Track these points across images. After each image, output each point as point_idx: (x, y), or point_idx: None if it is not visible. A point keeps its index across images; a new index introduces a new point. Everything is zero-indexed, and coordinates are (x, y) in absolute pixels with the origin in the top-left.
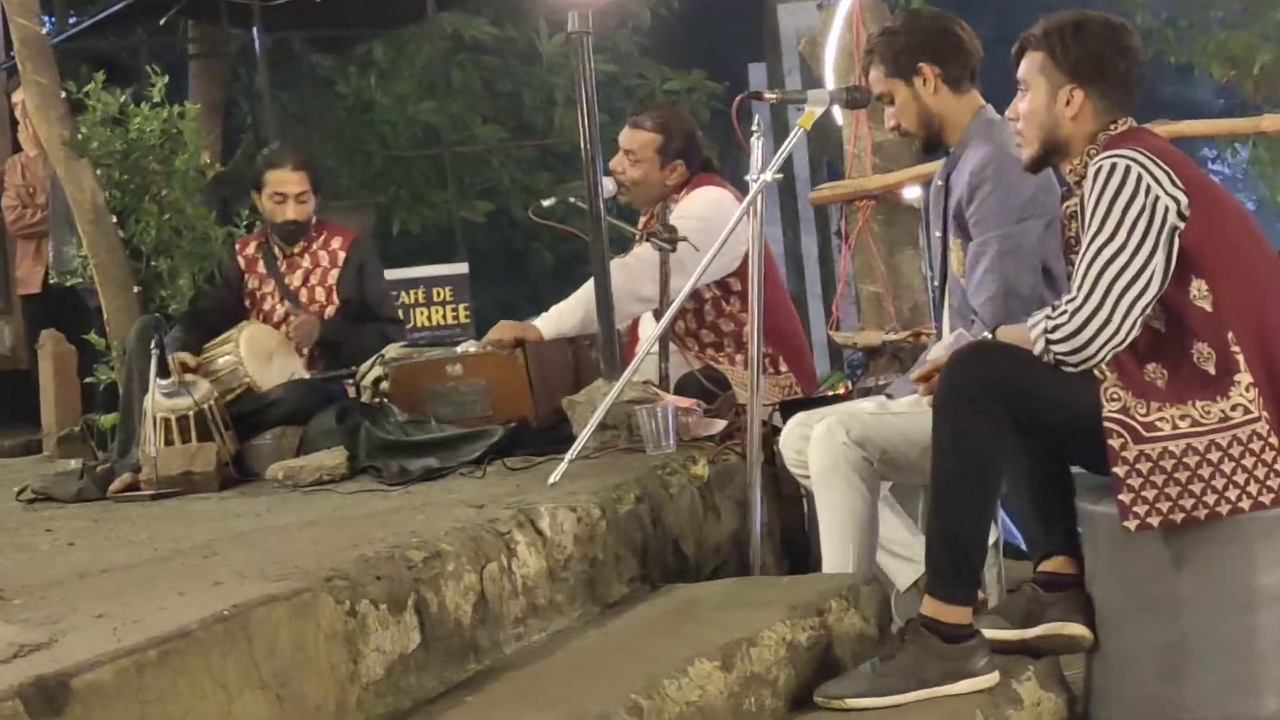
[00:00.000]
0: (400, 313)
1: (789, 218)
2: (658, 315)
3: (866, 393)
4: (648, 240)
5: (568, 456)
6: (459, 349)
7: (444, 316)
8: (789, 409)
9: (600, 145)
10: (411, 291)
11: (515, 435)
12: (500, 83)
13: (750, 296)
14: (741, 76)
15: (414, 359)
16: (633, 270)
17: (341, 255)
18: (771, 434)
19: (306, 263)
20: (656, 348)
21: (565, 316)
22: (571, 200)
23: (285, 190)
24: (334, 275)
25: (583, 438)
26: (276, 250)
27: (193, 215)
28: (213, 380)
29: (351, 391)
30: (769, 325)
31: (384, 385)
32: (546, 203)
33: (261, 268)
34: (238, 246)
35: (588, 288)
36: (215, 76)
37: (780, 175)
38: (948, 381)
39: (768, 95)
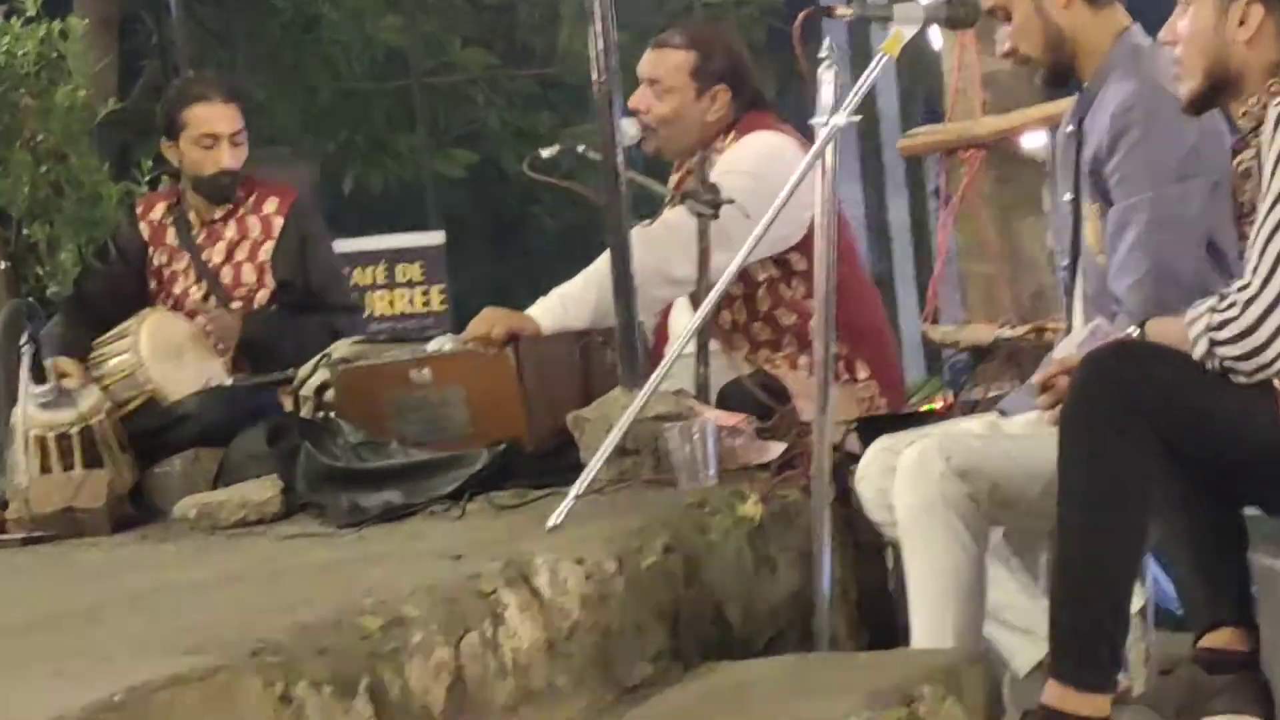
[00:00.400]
0: (355, 298)
1: (871, 173)
2: (695, 303)
3: (973, 408)
4: (682, 203)
5: (574, 491)
6: (430, 346)
7: (412, 302)
8: (869, 429)
9: (619, 76)
10: (369, 269)
11: (504, 462)
12: None
13: (817, 278)
14: None
15: (370, 359)
16: (662, 243)
17: (278, 223)
18: (846, 462)
19: (231, 232)
20: (693, 347)
21: (571, 304)
22: (581, 150)
23: (216, 129)
24: (267, 249)
25: (593, 466)
26: (192, 215)
27: (78, 167)
28: (104, 387)
29: (288, 403)
30: (843, 317)
31: (330, 394)
32: (547, 153)
33: (171, 238)
34: (139, 210)
35: (601, 266)
36: None
37: (859, 117)
38: (1080, 392)
39: (841, 10)
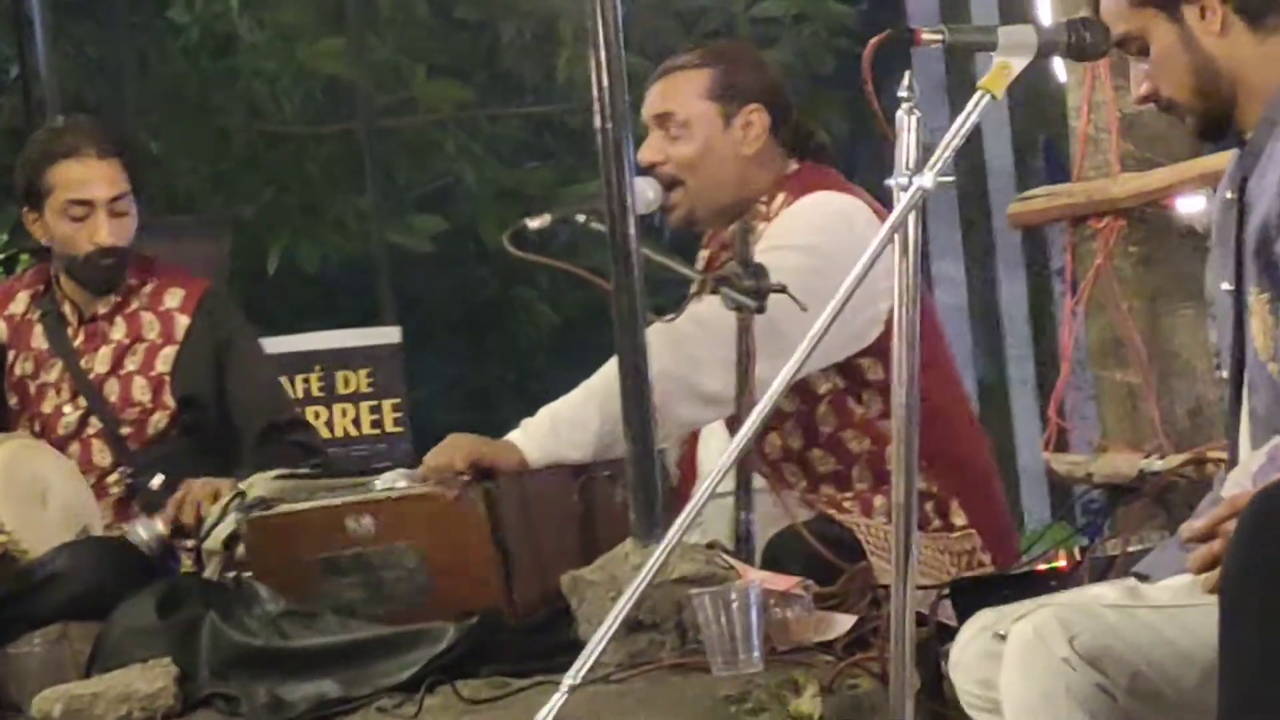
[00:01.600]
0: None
1: (975, 248)
2: (733, 426)
3: (1107, 567)
4: (716, 291)
5: (568, 678)
6: (379, 483)
7: (357, 422)
8: (968, 595)
9: (632, 117)
10: (300, 377)
11: (477, 640)
12: (460, 3)
13: (896, 391)
14: None
15: (292, 503)
16: (690, 345)
17: (181, 322)
18: (936, 640)
19: (119, 333)
20: (730, 484)
21: (568, 427)
22: (581, 218)
23: (90, 194)
24: (167, 357)
25: (596, 645)
26: (67, 309)
27: None
28: None
29: (187, 562)
30: (933, 442)
31: (242, 549)
32: (536, 223)
33: (39, 340)
34: None
35: (608, 376)
36: None
37: (951, 178)
38: (1248, 542)
39: (929, 35)
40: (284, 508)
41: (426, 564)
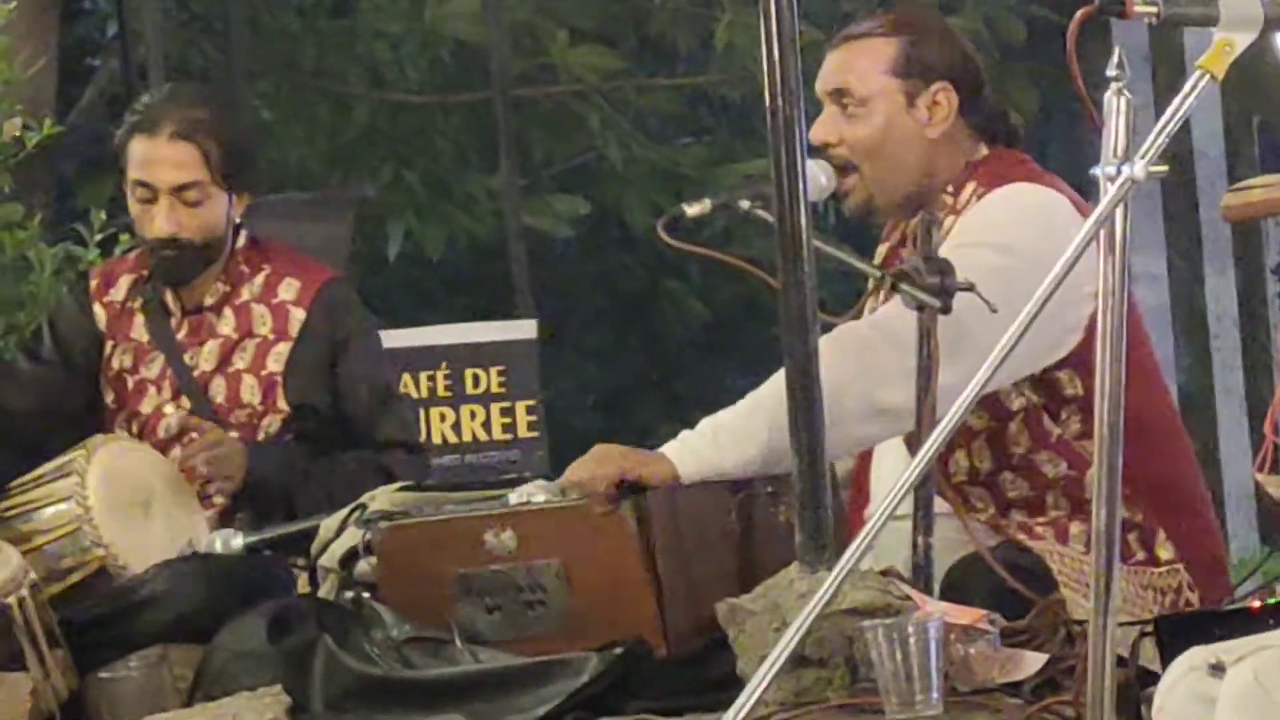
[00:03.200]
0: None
1: (1180, 241)
2: (912, 443)
3: None
4: (895, 289)
5: (726, 718)
6: (512, 498)
7: (487, 426)
8: (1174, 634)
9: (804, 91)
10: (425, 375)
11: (623, 673)
12: None
13: (1100, 407)
14: None
15: (424, 514)
16: (867, 351)
17: (297, 317)
18: (1138, 684)
19: (228, 326)
20: (909, 506)
21: (729, 439)
22: (745, 205)
23: (151, 177)
24: (279, 355)
25: (758, 682)
26: (169, 297)
27: None
28: (29, 550)
29: (302, 580)
30: (1138, 466)
31: (364, 565)
32: (694, 209)
33: (140, 331)
34: (94, 285)
35: (775, 384)
36: None
37: (1164, 168)
38: None
39: (1141, 8)
40: (415, 519)
41: (571, 585)
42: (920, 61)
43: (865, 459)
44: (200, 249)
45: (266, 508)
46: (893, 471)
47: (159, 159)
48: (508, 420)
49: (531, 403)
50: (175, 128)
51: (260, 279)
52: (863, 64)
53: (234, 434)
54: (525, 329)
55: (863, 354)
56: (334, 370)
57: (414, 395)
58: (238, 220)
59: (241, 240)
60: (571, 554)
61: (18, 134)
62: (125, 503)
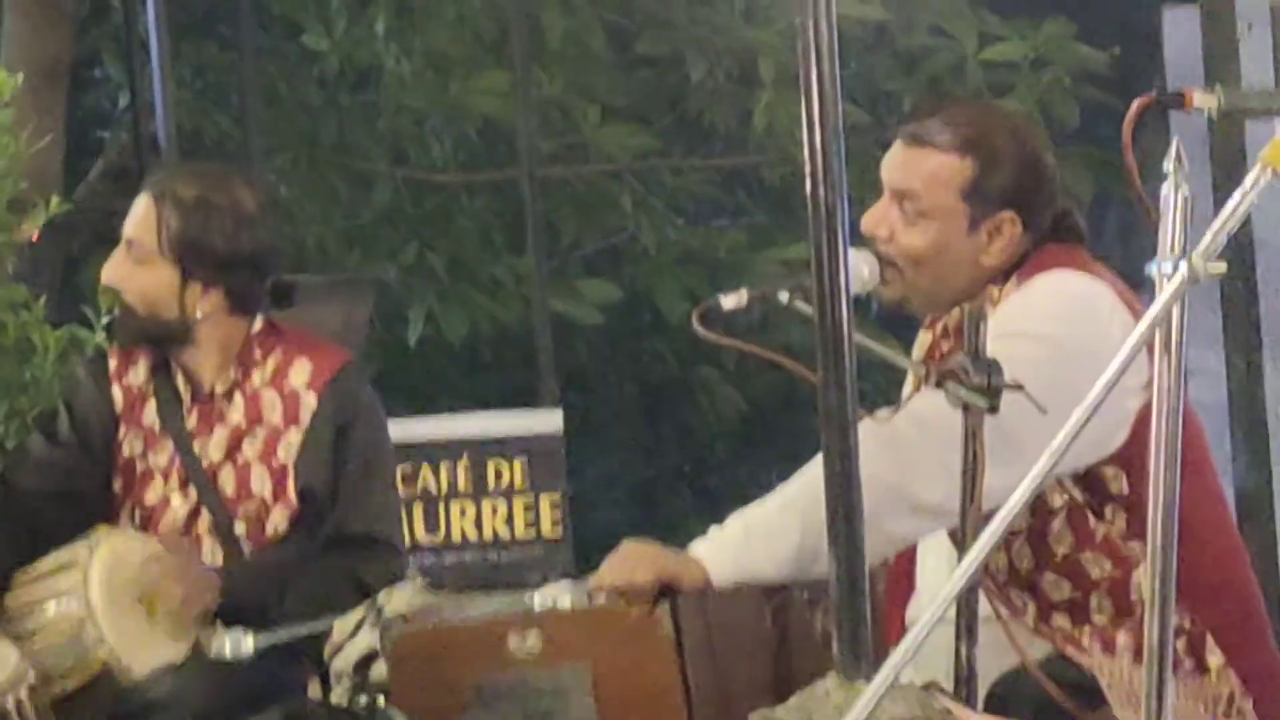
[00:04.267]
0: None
1: (1239, 336)
2: (958, 542)
3: None
4: (940, 385)
5: None
6: (537, 599)
7: (510, 523)
8: None
9: (846, 176)
10: (446, 466)
11: None
12: (643, 37)
13: (1154, 509)
14: (1149, 34)
15: (444, 617)
16: (907, 448)
17: (309, 403)
18: None
19: (237, 414)
20: (951, 613)
21: (762, 539)
22: (783, 297)
23: (124, 230)
24: (290, 444)
25: None
26: (180, 381)
27: (0, 298)
28: (30, 648)
29: (313, 685)
30: (1183, 568)
31: (378, 670)
32: (730, 301)
33: (151, 417)
34: (113, 365)
35: (811, 481)
36: (54, 17)
37: (1222, 267)
38: None
39: (1202, 99)
40: (435, 622)
41: (597, 692)
42: (991, 190)
43: (908, 555)
44: (143, 319)
45: (241, 624)
46: (936, 571)
47: (134, 209)
48: (531, 515)
49: (556, 497)
50: (155, 189)
51: (271, 363)
52: (932, 175)
53: (240, 528)
54: (551, 420)
55: (899, 449)
56: (336, 458)
57: (436, 491)
58: (199, 315)
59: (257, 325)
60: (600, 659)
61: (36, 237)
62: (129, 600)
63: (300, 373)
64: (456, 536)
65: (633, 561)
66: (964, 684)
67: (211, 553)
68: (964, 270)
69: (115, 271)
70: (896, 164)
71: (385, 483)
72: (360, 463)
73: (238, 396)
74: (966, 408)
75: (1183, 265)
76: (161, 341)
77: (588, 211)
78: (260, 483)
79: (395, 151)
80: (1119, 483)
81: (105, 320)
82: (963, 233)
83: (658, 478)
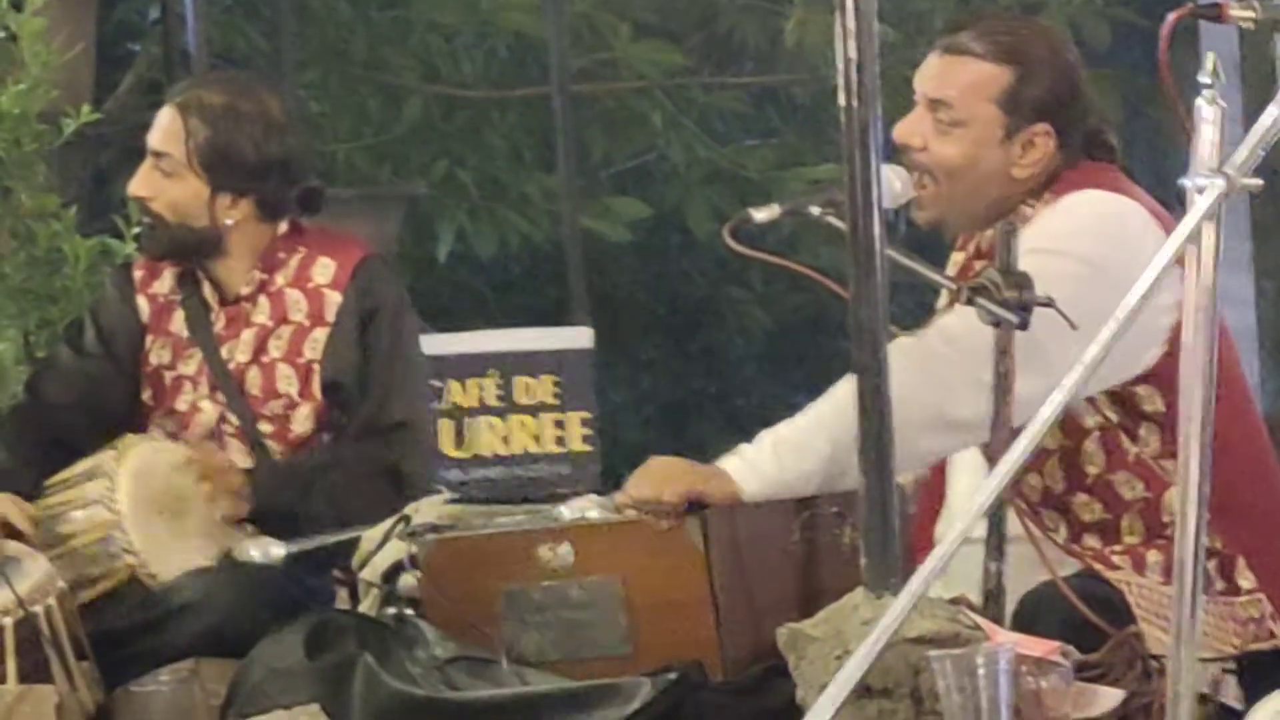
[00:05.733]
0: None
1: (1267, 260)
2: (989, 455)
3: None
4: (970, 302)
5: None
6: (565, 511)
7: (538, 438)
8: (1257, 672)
9: (879, 96)
10: (474, 383)
11: (676, 699)
12: None
13: (1185, 427)
14: None
15: (472, 527)
16: (939, 364)
17: (333, 300)
18: None
19: (262, 315)
20: (981, 528)
21: (792, 455)
22: (815, 211)
23: (148, 136)
24: (316, 342)
25: (818, 713)
26: (208, 290)
27: (29, 209)
28: (58, 555)
29: (342, 594)
30: (1218, 489)
31: (407, 580)
32: (761, 215)
33: (179, 325)
34: (138, 277)
35: (841, 397)
36: None
37: (1256, 182)
38: None
39: (1238, 11)
40: (463, 532)
41: (627, 604)
42: (1028, 100)
43: (940, 469)
44: (173, 228)
45: (271, 531)
46: (969, 491)
47: (158, 121)
48: (560, 432)
49: (586, 415)
50: (180, 99)
51: (295, 262)
52: (969, 84)
53: (266, 427)
54: (581, 336)
55: (930, 365)
56: (363, 348)
57: (463, 402)
58: (229, 222)
59: (283, 228)
60: (631, 571)
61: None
62: (157, 508)
63: (324, 272)
64: (485, 451)
65: (659, 478)
66: (992, 600)
67: (240, 456)
68: (997, 183)
69: (143, 184)
70: (932, 73)
71: (414, 369)
72: (387, 350)
73: (262, 298)
74: (997, 323)
75: (1217, 179)
76: (191, 253)
77: (618, 129)
78: (286, 381)
79: (426, 67)
80: (1153, 402)
81: (135, 230)
82: (996, 143)
83: (686, 397)
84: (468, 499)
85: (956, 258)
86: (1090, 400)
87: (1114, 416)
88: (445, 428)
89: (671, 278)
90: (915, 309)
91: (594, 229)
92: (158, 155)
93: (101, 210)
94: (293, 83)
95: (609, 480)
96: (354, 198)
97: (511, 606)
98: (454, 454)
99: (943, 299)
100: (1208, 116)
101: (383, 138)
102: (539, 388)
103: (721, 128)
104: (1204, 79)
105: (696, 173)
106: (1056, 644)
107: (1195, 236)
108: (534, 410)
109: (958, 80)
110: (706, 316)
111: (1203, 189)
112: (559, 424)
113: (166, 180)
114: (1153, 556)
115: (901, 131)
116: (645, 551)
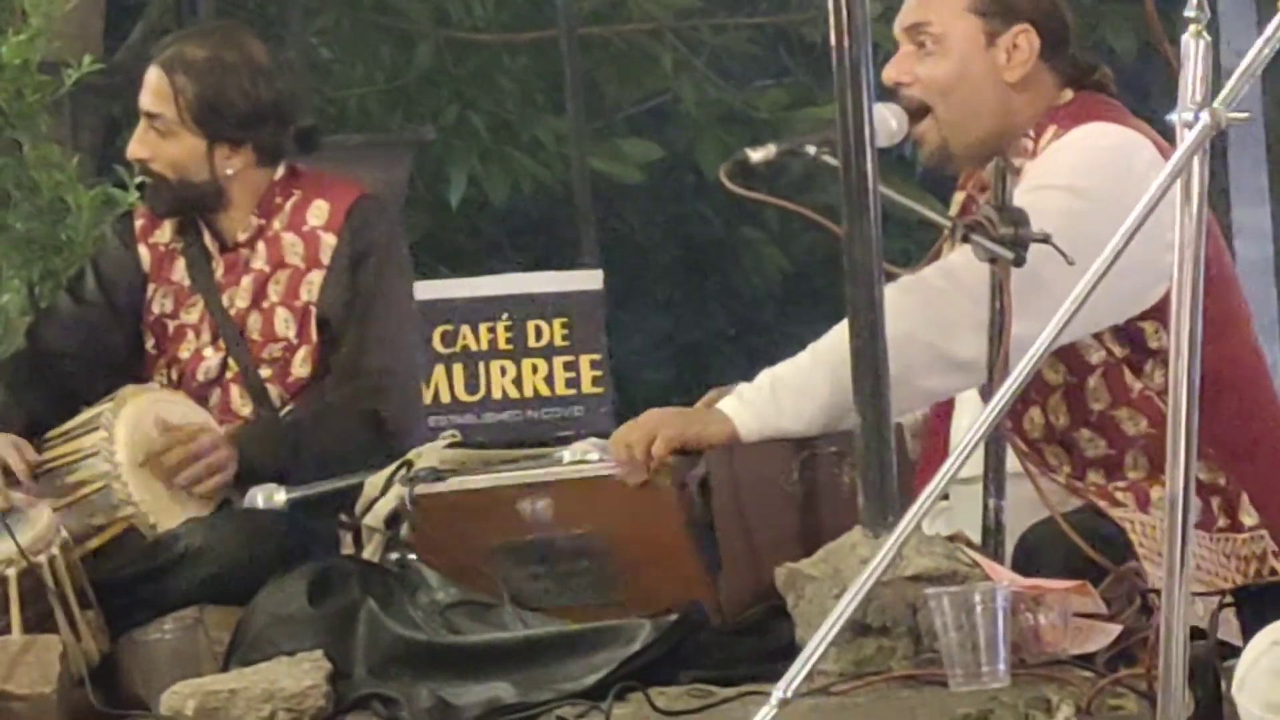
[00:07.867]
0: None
1: None
2: (986, 396)
3: None
4: (967, 239)
5: (780, 688)
6: (566, 454)
7: (550, 381)
8: (1256, 606)
9: (869, 31)
10: (485, 326)
11: (675, 640)
12: None
13: (1175, 361)
14: None
15: (466, 479)
16: (939, 302)
17: (329, 243)
18: (1216, 657)
19: (260, 260)
20: (979, 466)
21: (790, 395)
22: (810, 150)
23: (139, 99)
24: (312, 284)
25: (814, 650)
26: (208, 238)
27: (34, 159)
28: (63, 505)
29: (346, 540)
30: (1222, 426)
31: (407, 528)
32: (758, 155)
33: (181, 274)
34: (139, 225)
35: (839, 338)
36: None
37: (1244, 115)
38: None
39: None
40: (452, 484)
41: (616, 554)
42: (1003, 1)
43: (944, 413)
44: (175, 186)
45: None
46: (966, 427)
47: (146, 83)
48: (571, 375)
49: (596, 357)
50: (163, 57)
51: (290, 206)
52: (942, 0)
53: (265, 373)
54: (591, 279)
55: (931, 304)
56: (354, 287)
57: (475, 346)
58: (229, 173)
59: (279, 172)
60: (609, 524)
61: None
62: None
63: (318, 214)
64: (497, 395)
65: (650, 429)
66: (991, 537)
67: (241, 402)
68: (990, 90)
69: (142, 146)
70: (909, 4)
71: (399, 313)
72: (369, 293)
73: (260, 244)
74: (994, 260)
75: (1203, 114)
76: (196, 207)
77: (629, 71)
78: (285, 325)
79: (437, 11)
80: (1159, 338)
81: (139, 180)
82: (980, 49)
83: (702, 338)
84: (471, 444)
85: (958, 197)
86: (1096, 336)
87: (1120, 352)
88: (457, 372)
89: (684, 219)
90: (919, 254)
91: (605, 171)
92: (151, 116)
93: (115, 159)
94: (303, 29)
95: (623, 421)
96: (365, 143)
97: (505, 557)
98: (466, 399)
99: (943, 237)
100: (1194, 52)
101: (394, 83)
102: (550, 331)
103: (732, 69)
104: (1190, 13)
105: (707, 114)
106: (1078, 582)
107: (1183, 172)
108: (546, 353)
109: (931, 0)
110: (721, 257)
111: (1190, 124)
112: (570, 367)
113: (163, 140)
114: (1156, 492)
115: (889, 73)
116: (622, 505)
